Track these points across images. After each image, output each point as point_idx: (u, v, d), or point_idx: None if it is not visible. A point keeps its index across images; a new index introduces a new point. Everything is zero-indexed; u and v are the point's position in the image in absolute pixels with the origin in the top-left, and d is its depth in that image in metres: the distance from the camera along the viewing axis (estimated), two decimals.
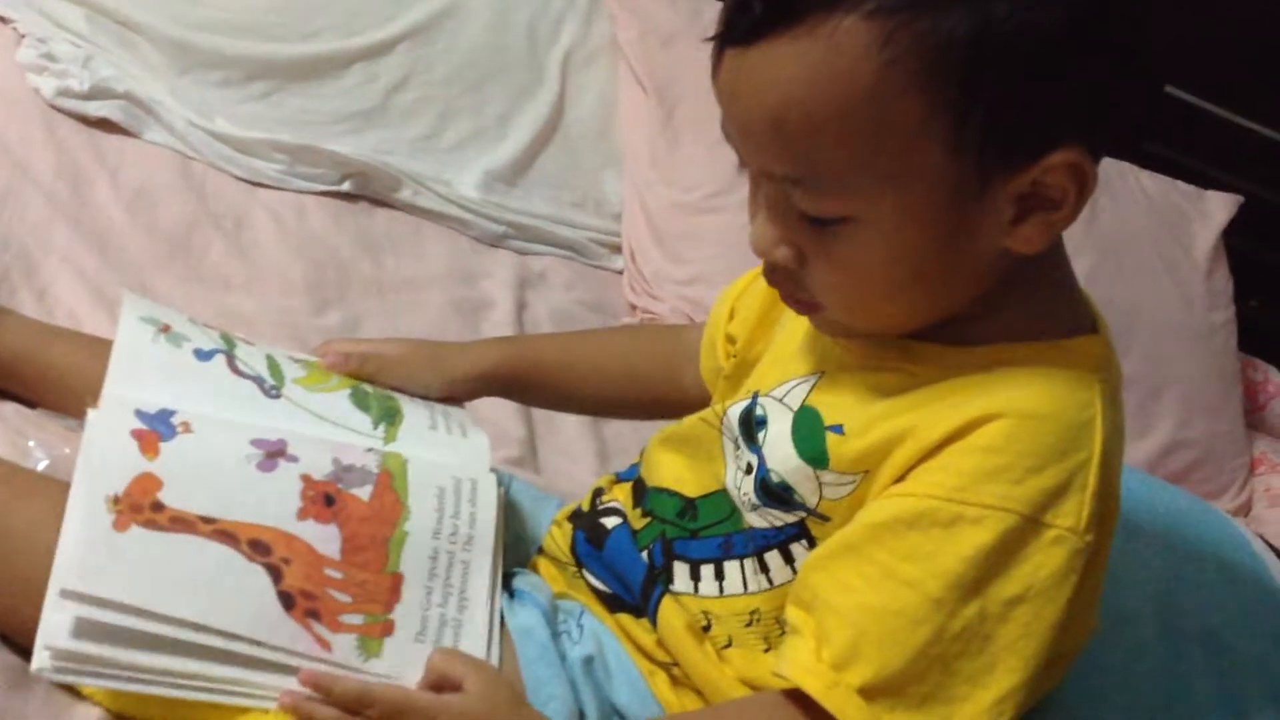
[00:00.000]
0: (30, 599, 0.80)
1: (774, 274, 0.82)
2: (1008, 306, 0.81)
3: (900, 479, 0.79)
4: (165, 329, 0.96)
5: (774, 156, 0.76)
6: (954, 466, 0.77)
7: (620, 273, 1.80)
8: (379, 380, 1.03)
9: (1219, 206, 2.00)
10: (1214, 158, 2.13)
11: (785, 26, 0.72)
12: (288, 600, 0.84)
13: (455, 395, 1.06)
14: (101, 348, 1.02)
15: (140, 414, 0.89)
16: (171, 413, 0.89)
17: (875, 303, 0.80)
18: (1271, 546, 1.22)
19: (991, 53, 0.71)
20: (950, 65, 0.71)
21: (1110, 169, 1.96)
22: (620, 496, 1.00)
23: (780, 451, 0.85)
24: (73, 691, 0.86)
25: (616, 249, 1.82)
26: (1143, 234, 1.91)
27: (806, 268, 0.80)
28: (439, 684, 0.84)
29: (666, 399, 1.07)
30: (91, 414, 0.89)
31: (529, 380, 1.10)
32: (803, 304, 0.83)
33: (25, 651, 0.81)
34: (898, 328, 0.83)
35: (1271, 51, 2.01)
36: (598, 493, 1.03)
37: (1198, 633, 1.06)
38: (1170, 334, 1.85)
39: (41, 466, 1.01)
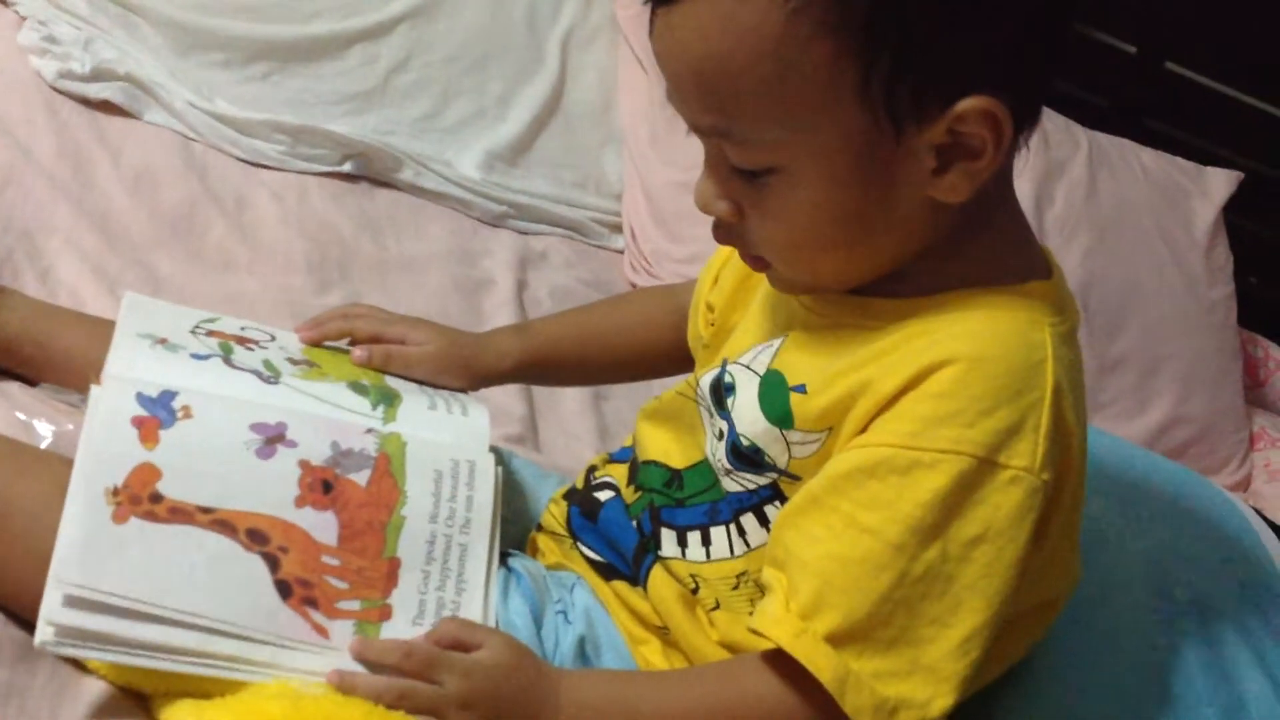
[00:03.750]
0: (35, 574, 0.81)
1: (719, 230, 0.85)
2: (957, 256, 0.83)
3: (862, 432, 0.80)
4: (162, 341, 0.97)
5: (700, 110, 0.79)
6: (909, 414, 0.78)
7: (621, 252, 1.81)
8: (403, 376, 1.05)
9: (1219, 183, 2.00)
10: (1214, 134, 2.13)
11: None
12: (285, 589, 0.85)
13: (475, 389, 1.08)
14: (104, 328, 1.03)
15: (141, 398, 0.89)
16: (173, 394, 0.90)
17: (809, 254, 0.82)
18: (1265, 519, 1.22)
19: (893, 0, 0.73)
20: (853, 14, 0.73)
21: (1110, 146, 1.96)
22: (615, 474, 1.01)
23: (748, 415, 0.87)
24: (78, 665, 0.86)
25: (617, 228, 1.83)
26: (1142, 210, 1.91)
27: (746, 222, 0.82)
28: (455, 647, 0.85)
29: (675, 359, 1.10)
30: (95, 390, 0.90)
31: (545, 369, 1.13)
32: (753, 260, 0.86)
33: (31, 626, 0.82)
34: (839, 281, 0.85)
35: (1272, 27, 2.01)
36: (591, 470, 1.05)
37: (1189, 601, 1.06)
38: (1170, 310, 1.85)
39: (45, 443, 1.02)
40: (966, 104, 0.75)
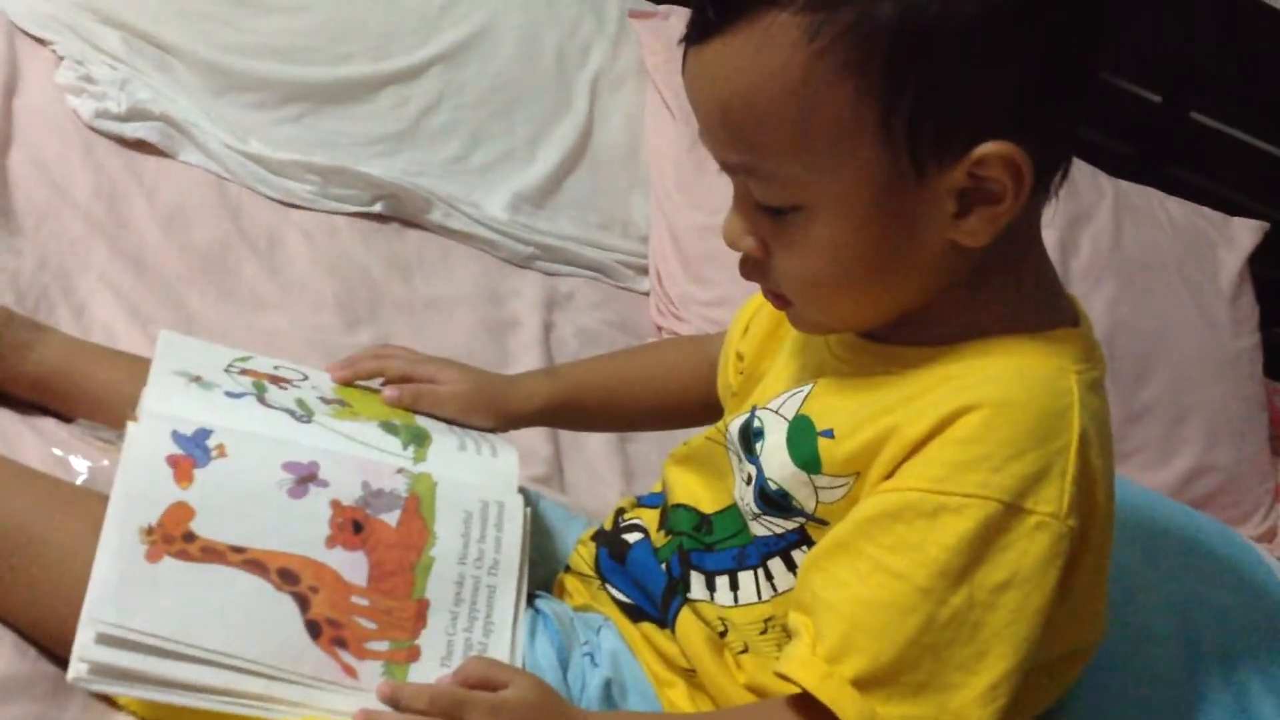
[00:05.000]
0: (69, 610, 0.82)
1: (745, 266, 0.86)
2: (982, 301, 0.83)
3: (889, 476, 0.81)
4: (197, 379, 0.98)
5: (727, 146, 0.81)
6: (935, 459, 0.79)
7: (646, 294, 1.82)
8: (432, 415, 1.05)
9: (1244, 233, 2.00)
10: (1240, 184, 2.13)
11: (730, 24, 0.77)
12: (314, 629, 0.86)
13: (503, 430, 1.09)
14: (138, 366, 1.04)
15: (177, 436, 0.90)
16: (208, 433, 0.91)
17: (829, 292, 0.83)
18: None
19: (914, 41, 0.74)
20: (875, 55, 0.75)
21: (1135, 194, 1.97)
22: (645, 518, 1.02)
23: (776, 460, 0.88)
24: (109, 700, 0.87)
25: (643, 271, 1.84)
26: (1168, 260, 1.92)
27: (770, 259, 0.83)
28: (481, 686, 0.85)
29: (700, 409, 1.10)
30: (131, 427, 0.91)
31: (572, 412, 1.14)
32: (776, 298, 0.87)
33: (64, 661, 0.83)
34: (859, 321, 0.86)
35: None
36: (619, 513, 1.05)
37: (1216, 653, 1.06)
38: (1195, 360, 1.85)
39: (81, 479, 1.03)
40: (986, 148, 0.76)
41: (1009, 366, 0.81)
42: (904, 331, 0.85)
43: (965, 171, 0.77)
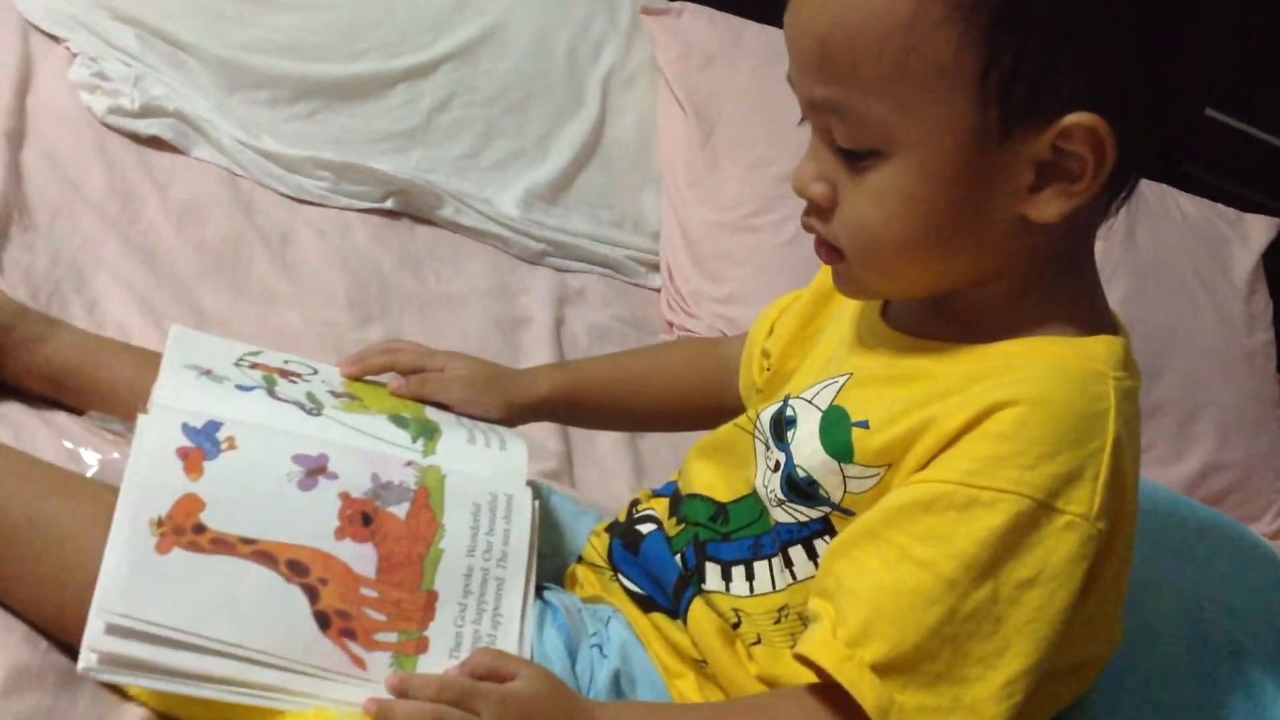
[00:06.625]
0: (79, 601, 0.83)
1: (808, 215, 0.85)
2: (1028, 303, 0.83)
3: (922, 468, 0.81)
4: (207, 373, 0.99)
5: (818, 80, 0.80)
6: (970, 453, 0.78)
7: (658, 291, 1.82)
8: (438, 400, 1.06)
9: (1258, 230, 2.00)
10: (1254, 181, 2.13)
11: None
12: (324, 620, 0.86)
13: (510, 421, 1.09)
14: (150, 360, 1.05)
15: (187, 429, 0.91)
16: (217, 425, 0.92)
17: (890, 250, 0.82)
18: None
19: None
20: (986, 3, 0.75)
21: (1149, 191, 1.96)
22: (657, 507, 1.02)
23: (807, 448, 0.87)
24: (119, 691, 0.88)
25: (654, 267, 1.84)
26: (1181, 257, 1.91)
27: (837, 210, 0.83)
28: (490, 678, 0.85)
29: (709, 411, 1.10)
30: (142, 419, 0.91)
31: (579, 405, 1.14)
32: (830, 251, 0.86)
33: (74, 651, 0.83)
34: (909, 287, 0.86)
35: None
36: (634, 504, 1.05)
37: (1228, 650, 1.06)
38: (1208, 357, 1.85)
39: (91, 471, 1.04)
40: (1075, 117, 0.76)
41: (1048, 365, 0.81)
42: (945, 327, 0.85)
43: (1049, 142, 0.77)
